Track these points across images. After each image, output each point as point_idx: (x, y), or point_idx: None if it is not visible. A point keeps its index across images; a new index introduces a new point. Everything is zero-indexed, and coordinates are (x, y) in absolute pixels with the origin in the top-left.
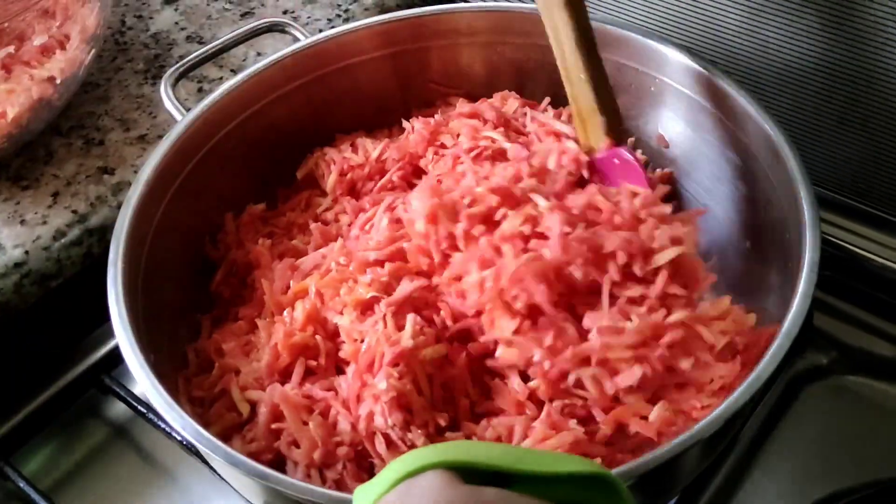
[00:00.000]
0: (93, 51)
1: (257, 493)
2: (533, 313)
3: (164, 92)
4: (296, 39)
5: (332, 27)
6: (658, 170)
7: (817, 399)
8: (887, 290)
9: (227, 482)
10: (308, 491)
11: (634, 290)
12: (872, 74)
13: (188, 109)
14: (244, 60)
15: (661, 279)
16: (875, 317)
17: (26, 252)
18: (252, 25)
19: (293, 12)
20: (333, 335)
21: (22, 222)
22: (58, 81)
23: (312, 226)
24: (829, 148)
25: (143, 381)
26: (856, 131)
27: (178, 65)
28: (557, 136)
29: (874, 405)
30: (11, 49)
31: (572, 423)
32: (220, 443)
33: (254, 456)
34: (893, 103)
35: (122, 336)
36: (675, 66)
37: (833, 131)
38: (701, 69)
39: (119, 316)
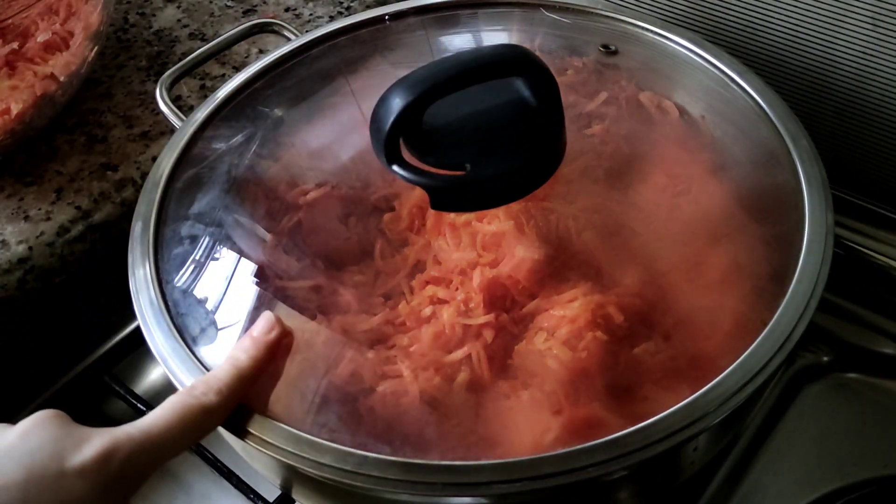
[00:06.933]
0: (96, 48)
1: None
2: None
3: (160, 97)
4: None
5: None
6: None
7: (817, 397)
8: (887, 287)
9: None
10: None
11: None
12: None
13: (191, 108)
14: (246, 57)
15: None
16: (875, 314)
17: (30, 248)
18: (242, 27)
19: (295, 9)
20: None
21: (26, 218)
22: (61, 78)
23: None
24: (828, 142)
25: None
26: (855, 125)
27: (171, 70)
28: None
29: (874, 403)
30: (15, 45)
31: None
32: None
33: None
34: (892, 98)
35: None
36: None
37: (832, 124)
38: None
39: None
